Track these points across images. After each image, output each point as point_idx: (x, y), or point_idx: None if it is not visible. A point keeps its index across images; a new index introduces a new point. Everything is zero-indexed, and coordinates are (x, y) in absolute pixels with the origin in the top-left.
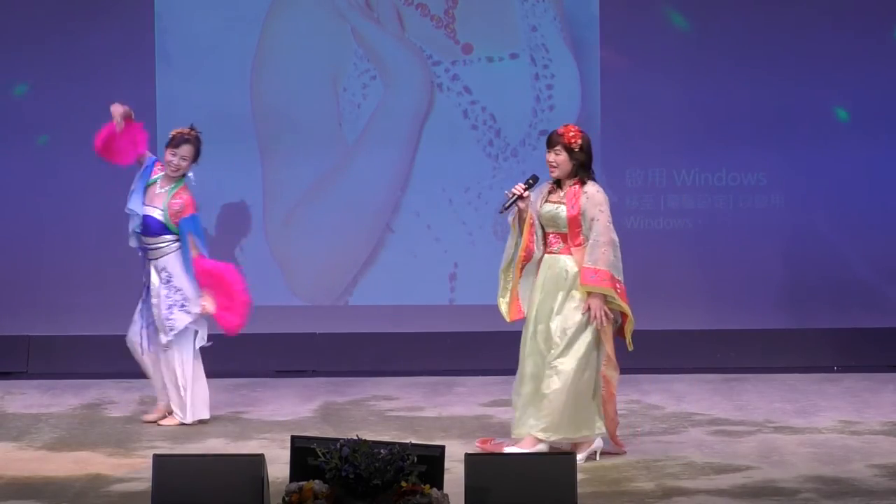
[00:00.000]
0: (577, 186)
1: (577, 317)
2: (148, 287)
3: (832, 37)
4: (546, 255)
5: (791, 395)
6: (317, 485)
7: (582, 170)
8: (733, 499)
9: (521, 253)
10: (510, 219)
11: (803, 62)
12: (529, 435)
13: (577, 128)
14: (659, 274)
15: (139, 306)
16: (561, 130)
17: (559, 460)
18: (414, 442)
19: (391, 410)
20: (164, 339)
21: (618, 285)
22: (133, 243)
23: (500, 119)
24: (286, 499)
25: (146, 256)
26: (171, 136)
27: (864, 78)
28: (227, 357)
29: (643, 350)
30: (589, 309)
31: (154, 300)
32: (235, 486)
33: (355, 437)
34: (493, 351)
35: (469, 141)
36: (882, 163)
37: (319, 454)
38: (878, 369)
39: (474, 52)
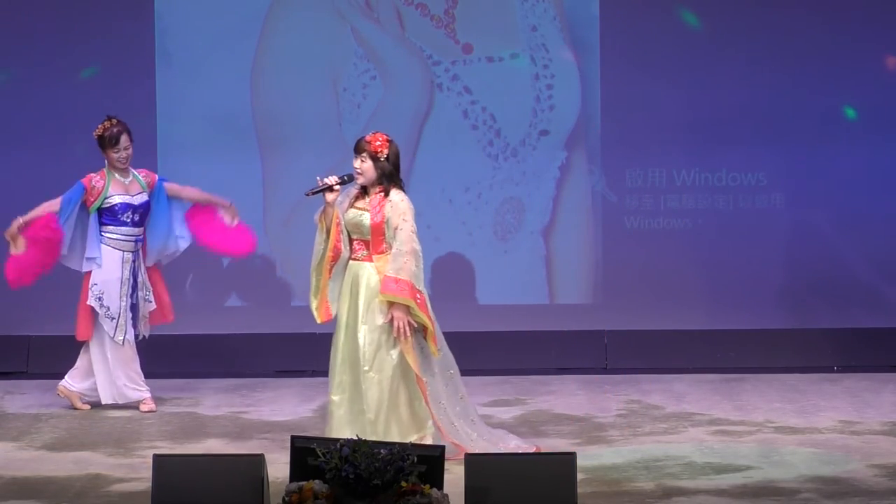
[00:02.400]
0: (381, 195)
1: (384, 327)
2: (135, 282)
3: (833, 36)
4: (351, 261)
5: (791, 395)
6: (317, 485)
7: (387, 178)
8: (733, 499)
9: (329, 253)
10: (316, 217)
11: (804, 62)
12: None
13: (385, 136)
14: (659, 274)
15: (126, 302)
16: (369, 138)
17: (559, 460)
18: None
19: None
20: (145, 331)
21: (418, 296)
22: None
23: (500, 119)
24: (286, 499)
25: (129, 250)
26: (104, 136)
27: (864, 77)
28: (227, 357)
29: (643, 350)
30: (392, 320)
31: (141, 293)
32: (235, 486)
33: (355, 437)
34: (493, 350)
35: (469, 141)
36: (883, 163)
37: (319, 454)
38: (878, 369)
39: (474, 52)
